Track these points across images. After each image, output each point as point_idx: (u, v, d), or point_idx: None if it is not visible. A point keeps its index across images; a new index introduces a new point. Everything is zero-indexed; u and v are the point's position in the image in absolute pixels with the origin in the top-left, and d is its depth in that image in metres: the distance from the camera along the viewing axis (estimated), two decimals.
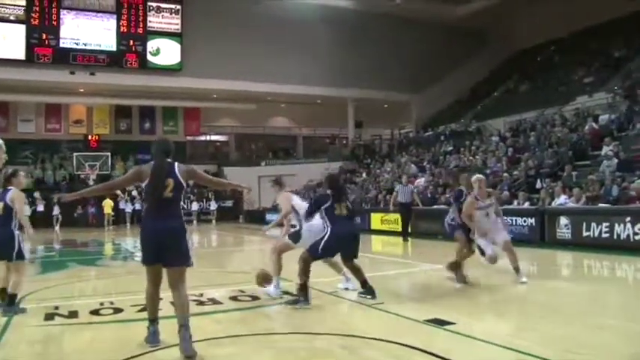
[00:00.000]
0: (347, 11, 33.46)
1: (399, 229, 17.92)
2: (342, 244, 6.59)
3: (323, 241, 6.43)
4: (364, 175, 28.92)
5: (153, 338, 4.62)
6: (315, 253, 6.43)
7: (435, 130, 30.07)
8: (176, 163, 4.60)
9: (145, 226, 4.56)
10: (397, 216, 18.42)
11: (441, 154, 25.21)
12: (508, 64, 35.25)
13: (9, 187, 6.13)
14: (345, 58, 32.78)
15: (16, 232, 6.11)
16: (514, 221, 13.99)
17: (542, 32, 31.57)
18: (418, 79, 34.05)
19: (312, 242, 6.63)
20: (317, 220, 6.96)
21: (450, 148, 25.18)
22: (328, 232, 6.48)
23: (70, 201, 5.70)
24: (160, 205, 4.47)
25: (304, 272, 6.35)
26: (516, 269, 7.54)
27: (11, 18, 29.34)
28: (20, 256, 6.17)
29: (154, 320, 4.69)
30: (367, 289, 6.69)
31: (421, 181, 21.29)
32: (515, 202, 15.54)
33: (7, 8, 29.27)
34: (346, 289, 7.22)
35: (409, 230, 16.47)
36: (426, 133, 31.23)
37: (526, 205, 15.01)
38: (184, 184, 4.58)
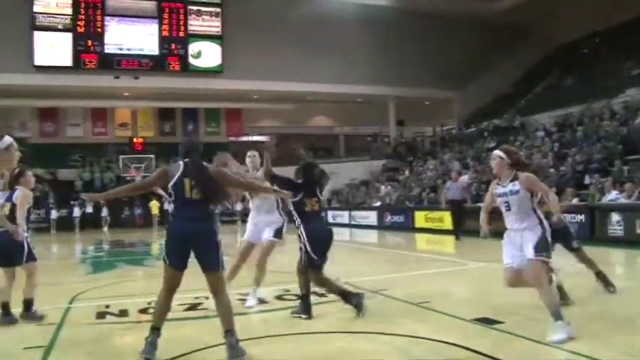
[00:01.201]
0: (386, 9, 33.21)
1: (445, 227, 17.72)
2: (326, 245, 5.94)
3: (308, 247, 5.74)
4: (407, 172, 28.69)
5: (149, 350, 4.26)
6: (314, 262, 5.79)
7: (478, 126, 29.61)
8: (205, 164, 4.50)
9: (172, 227, 4.43)
10: (442, 214, 18.24)
11: (484, 151, 24.79)
12: (550, 57, 34.38)
13: (17, 187, 5.89)
14: (384, 57, 32.56)
15: (25, 234, 5.87)
16: (562, 217, 13.64)
17: (584, 24, 30.64)
18: (459, 76, 33.56)
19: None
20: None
21: (494, 145, 24.71)
22: (304, 234, 5.78)
23: (95, 201, 5.60)
24: (188, 207, 4.34)
25: (323, 284, 5.93)
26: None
27: (59, 27, 30.21)
28: (30, 257, 5.88)
29: (156, 329, 4.39)
30: (307, 305, 5.87)
31: (465, 177, 21.00)
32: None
33: (55, 17, 30.17)
34: (249, 307, 6.40)
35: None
36: (469, 129, 30.78)
37: (574, 201, 14.63)
38: None
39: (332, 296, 6.75)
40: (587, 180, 16.08)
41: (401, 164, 31.31)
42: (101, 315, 6.20)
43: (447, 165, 25.06)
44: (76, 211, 28.62)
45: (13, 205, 5.74)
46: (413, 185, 25.52)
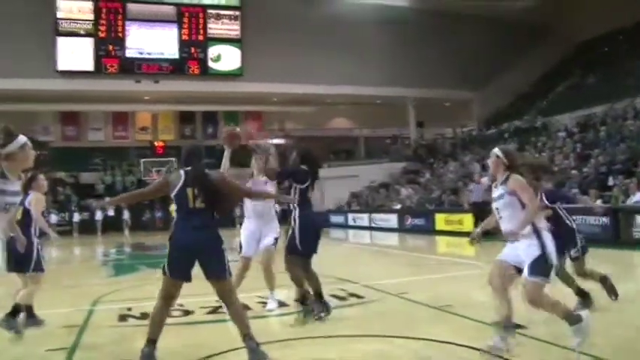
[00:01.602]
0: (404, 10, 33.14)
1: (465, 229, 17.57)
2: (315, 237, 5.82)
3: (297, 234, 5.66)
4: (427, 175, 28.54)
5: None
6: (297, 250, 5.69)
7: (499, 127, 29.38)
8: (207, 171, 4.39)
9: (176, 237, 4.28)
10: (462, 216, 18.13)
11: None
12: (572, 56, 34.00)
13: (29, 192, 5.75)
14: (403, 58, 32.49)
15: (35, 240, 5.64)
16: (585, 220, 13.45)
17: (606, 22, 30.22)
18: (479, 76, 33.36)
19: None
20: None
21: (515, 146, 24.49)
22: (298, 220, 5.68)
23: (97, 208, 5.43)
24: (192, 216, 4.25)
25: (297, 281, 5.79)
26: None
27: (81, 32, 30.63)
28: (38, 266, 5.60)
29: (152, 341, 4.23)
30: (322, 304, 5.81)
31: (485, 179, 20.83)
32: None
33: (77, 23, 30.60)
34: (270, 310, 6.30)
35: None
36: (489, 130, 30.55)
37: (598, 202, 14.41)
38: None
39: (352, 300, 6.74)
40: (610, 181, 15.85)
41: (421, 166, 31.16)
42: (123, 318, 6.26)
43: (468, 167, 24.89)
44: (98, 214, 28.92)
45: (26, 210, 5.65)
46: (433, 188, 25.37)
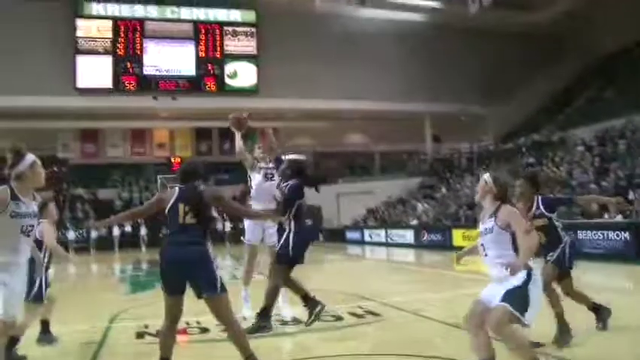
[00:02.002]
0: (421, 25, 33.23)
1: None
2: (306, 247, 6.01)
3: (290, 242, 5.79)
4: (444, 190, 28.38)
5: None
6: (288, 258, 5.81)
7: (516, 141, 29.17)
8: (202, 188, 4.43)
9: (165, 253, 4.29)
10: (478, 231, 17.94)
11: (522, 167, 24.38)
12: (590, 69, 33.67)
13: (40, 221, 5.31)
14: (419, 73, 32.52)
15: (49, 271, 5.49)
16: (605, 235, 13.27)
17: (624, 35, 29.97)
18: (496, 91, 33.17)
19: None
20: None
21: (532, 160, 24.31)
22: (293, 228, 5.84)
23: (99, 228, 5.38)
24: (181, 232, 4.27)
25: (273, 293, 5.86)
26: None
27: (100, 50, 31.13)
28: (38, 296, 5.43)
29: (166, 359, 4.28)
30: (312, 303, 5.91)
31: None
32: (606, 215, 14.77)
33: (96, 42, 31.11)
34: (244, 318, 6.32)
35: None
36: (506, 145, 30.35)
37: (618, 217, 14.23)
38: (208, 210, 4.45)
39: (369, 317, 6.70)
40: (630, 195, 15.63)
41: (437, 181, 30.99)
42: (140, 335, 6.25)
43: None
44: (116, 231, 29.10)
45: (35, 239, 5.03)
46: (450, 203, 25.21)
